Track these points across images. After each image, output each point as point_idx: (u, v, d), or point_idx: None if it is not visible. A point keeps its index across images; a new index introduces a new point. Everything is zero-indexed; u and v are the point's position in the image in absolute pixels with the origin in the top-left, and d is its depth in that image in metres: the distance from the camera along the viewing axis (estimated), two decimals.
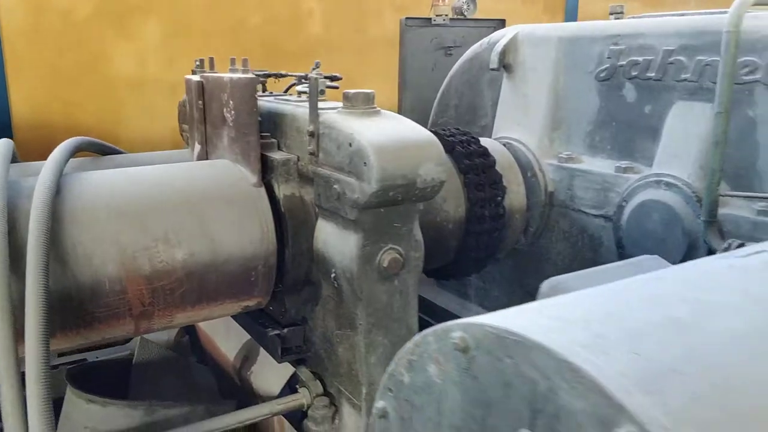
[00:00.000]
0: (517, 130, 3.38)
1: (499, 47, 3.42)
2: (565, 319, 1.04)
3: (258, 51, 5.28)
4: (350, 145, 2.13)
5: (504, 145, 3.36)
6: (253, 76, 2.43)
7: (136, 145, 5.23)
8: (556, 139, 3.24)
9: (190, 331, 3.75)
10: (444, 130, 3.17)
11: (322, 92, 2.31)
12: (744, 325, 1.04)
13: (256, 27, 5.23)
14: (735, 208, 2.41)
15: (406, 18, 4.72)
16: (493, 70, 3.47)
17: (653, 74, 2.76)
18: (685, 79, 2.64)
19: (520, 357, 0.98)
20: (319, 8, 5.40)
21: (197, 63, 3.18)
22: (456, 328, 1.11)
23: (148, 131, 5.55)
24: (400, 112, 4.97)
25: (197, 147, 2.92)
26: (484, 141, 3.25)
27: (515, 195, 3.18)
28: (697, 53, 2.59)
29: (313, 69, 2.43)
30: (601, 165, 2.98)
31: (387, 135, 2.15)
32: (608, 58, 2.94)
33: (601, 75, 2.98)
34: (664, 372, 0.89)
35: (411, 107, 4.81)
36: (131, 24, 5.27)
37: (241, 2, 5.15)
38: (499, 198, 3.00)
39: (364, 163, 2.07)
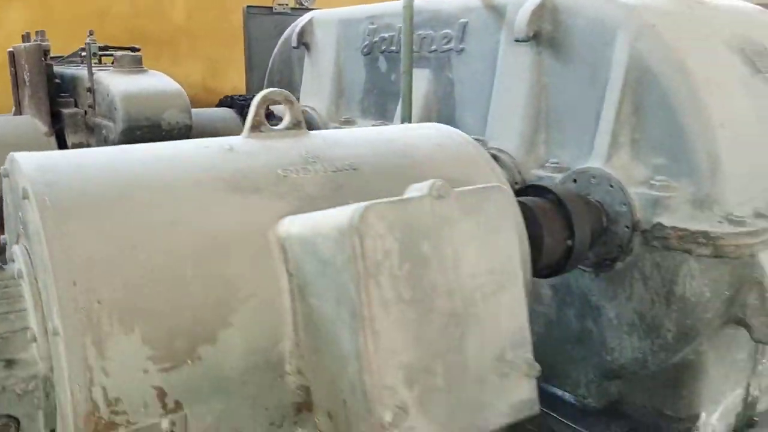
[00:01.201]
0: (313, 99, 3.96)
1: (297, 29, 4.00)
2: None
3: (124, 37, 5.71)
4: (108, 95, 2.66)
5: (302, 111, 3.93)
6: (40, 44, 2.92)
7: None
8: (340, 105, 3.83)
9: None
10: (241, 97, 3.72)
11: (95, 55, 2.83)
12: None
13: (120, 15, 5.68)
14: None
15: (248, 6, 5.29)
16: (294, 48, 4.05)
17: (395, 48, 3.37)
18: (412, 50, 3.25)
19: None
20: None
21: (24, 36, 3.63)
22: None
23: None
24: (247, 92, 5.49)
25: (13, 108, 3.40)
26: None
27: None
28: (417, 29, 3.21)
29: (89, 36, 2.94)
30: (365, 125, 3.58)
31: (137, 87, 2.68)
32: (368, 35, 3.54)
33: (365, 50, 3.58)
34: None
35: (258, 87, 5.34)
36: None
37: None
38: None
39: (115, 107, 2.60)
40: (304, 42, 4.02)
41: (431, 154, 1.63)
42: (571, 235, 2.16)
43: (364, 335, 1.12)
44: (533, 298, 2.62)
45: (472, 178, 1.60)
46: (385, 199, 1.16)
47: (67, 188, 1.27)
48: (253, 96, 3.41)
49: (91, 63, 2.81)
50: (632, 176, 2.28)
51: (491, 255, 1.15)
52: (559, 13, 2.52)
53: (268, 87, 4.59)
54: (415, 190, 1.19)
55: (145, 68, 2.86)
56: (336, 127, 3.74)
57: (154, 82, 2.72)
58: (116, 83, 2.63)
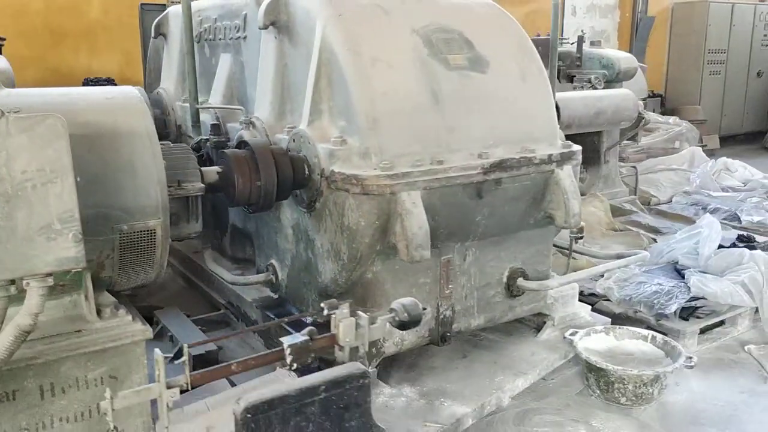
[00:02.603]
0: (166, 82, 4.60)
1: (156, 22, 4.64)
2: None
3: (43, 33, 6.37)
4: None
5: (156, 92, 4.57)
6: None
7: None
8: (183, 87, 4.46)
9: None
10: (93, 79, 4.36)
11: None
12: None
13: (38, 12, 6.33)
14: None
15: (142, 3, 5.93)
16: (154, 38, 4.69)
17: (211, 36, 4.00)
18: (219, 38, 3.89)
19: None
20: None
21: None
22: None
23: None
24: (144, 81, 6.11)
25: None
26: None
27: None
28: (222, 19, 3.84)
29: None
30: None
31: None
32: (198, 26, 4.17)
33: (196, 39, 4.21)
34: None
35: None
36: None
37: None
38: None
39: None
40: (161, 33, 4.66)
41: (94, 105, 2.27)
42: (259, 178, 2.79)
43: None
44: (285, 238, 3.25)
45: (118, 122, 2.24)
46: None
47: None
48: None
49: None
50: (326, 135, 2.91)
51: (41, 159, 1.78)
52: (288, 5, 3.14)
53: (147, 72, 5.26)
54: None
55: None
56: (180, 106, 4.37)
57: None
58: None
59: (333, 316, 1.74)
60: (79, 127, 2.16)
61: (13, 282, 1.83)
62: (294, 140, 3.02)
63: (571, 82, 6.56)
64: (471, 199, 2.96)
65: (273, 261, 3.43)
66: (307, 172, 2.94)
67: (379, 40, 2.92)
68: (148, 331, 2.29)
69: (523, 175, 3.07)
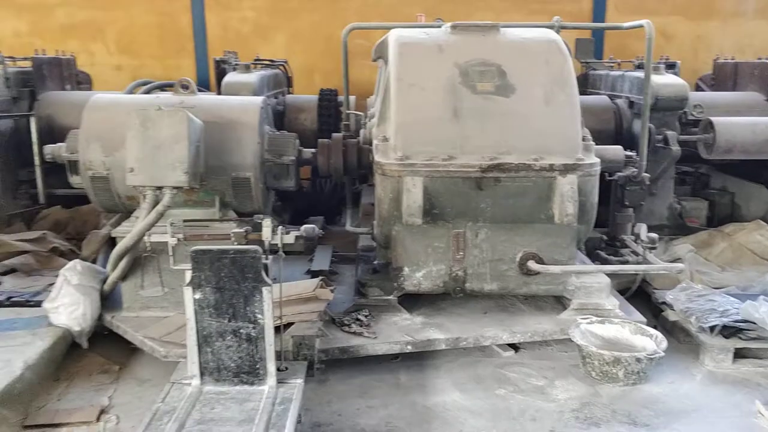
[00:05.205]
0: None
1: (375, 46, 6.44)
2: None
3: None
4: None
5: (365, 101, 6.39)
6: None
7: None
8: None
9: None
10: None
11: None
12: None
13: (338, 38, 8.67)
14: None
15: None
16: (373, 60, 6.51)
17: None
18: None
19: None
20: None
21: None
22: None
23: None
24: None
25: None
26: None
27: None
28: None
29: None
30: None
31: None
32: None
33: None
34: None
35: None
36: None
37: None
38: None
39: None
40: (379, 56, 6.44)
41: (228, 107, 4.15)
42: (331, 159, 4.36)
43: None
44: None
45: (235, 117, 4.08)
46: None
47: None
48: None
49: None
50: (381, 135, 4.29)
51: (172, 130, 3.66)
52: (385, 45, 4.57)
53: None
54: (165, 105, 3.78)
55: None
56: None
57: None
58: None
59: (261, 223, 3.23)
60: (217, 118, 4.06)
61: (160, 188, 3.78)
62: (366, 136, 4.50)
63: None
64: (471, 189, 4.02)
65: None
66: (369, 159, 4.38)
67: (421, 71, 4.19)
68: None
69: (522, 177, 3.99)
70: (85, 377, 3.80)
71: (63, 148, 4.26)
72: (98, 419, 3.36)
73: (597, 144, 4.75)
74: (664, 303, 4.68)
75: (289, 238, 3.26)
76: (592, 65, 7.71)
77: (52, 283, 4.19)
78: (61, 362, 3.89)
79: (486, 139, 4.07)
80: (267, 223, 3.21)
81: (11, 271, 5.06)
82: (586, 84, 7.75)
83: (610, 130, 6.50)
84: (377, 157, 4.12)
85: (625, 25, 5.19)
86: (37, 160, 5.85)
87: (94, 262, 4.54)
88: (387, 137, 4.17)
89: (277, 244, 3.22)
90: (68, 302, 3.95)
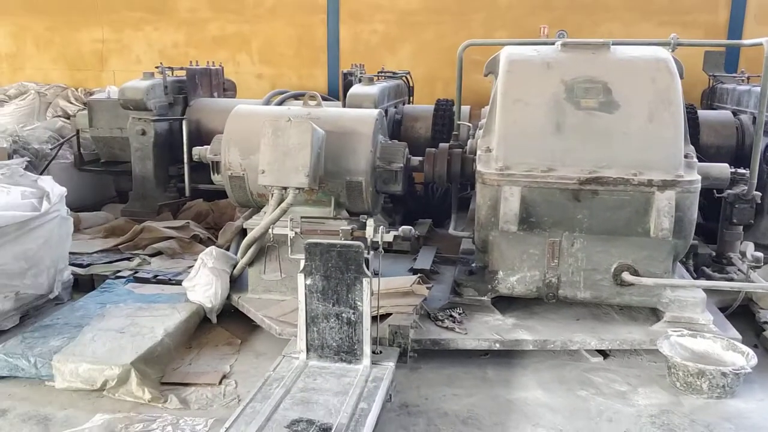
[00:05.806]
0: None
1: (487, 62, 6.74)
2: None
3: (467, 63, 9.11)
4: None
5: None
6: None
7: None
8: None
9: None
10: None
11: None
12: None
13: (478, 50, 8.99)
14: None
15: None
16: (485, 75, 6.81)
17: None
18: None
19: None
20: None
21: None
22: None
23: None
24: None
25: None
26: None
27: None
28: None
29: None
30: None
31: None
32: None
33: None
34: None
35: None
36: None
37: None
38: None
39: None
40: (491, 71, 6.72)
41: (348, 118, 4.62)
42: (436, 167, 4.71)
43: None
44: None
45: (353, 127, 4.54)
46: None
47: None
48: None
49: None
50: (485, 146, 4.58)
51: (300, 138, 4.17)
52: (496, 62, 4.85)
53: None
54: (294, 116, 4.30)
55: None
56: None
57: None
58: None
59: (366, 221, 3.64)
60: (337, 128, 4.55)
61: (285, 188, 4.31)
62: (473, 146, 4.81)
63: None
64: (569, 200, 4.22)
65: None
66: (472, 168, 4.69)
67: (527, 87, 4.43)
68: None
69: (620, 191, 4.13)
70: (212, 347, 4.41)
71: (208, 150, 4.93)
72: (220, 383, 3.93)
73: (715, 161, 4.74)
74: (766, 323, 4.62)
75: (389, 237, 3.65)
76: (720, 78, 7.50)
77: (191, 266, 4.89)
78: (194, 333, 4.53)
79: (586, 153, 4.25)
80: (370, 223, 3.64)
81: (158, 253, 5.96)
82: (713, 98, 7.57)
83: (731, 146, 6.38)
84: (479, 167, 4.42)
85: (746, 42, 5.10)
86: (186, 158, 6.73)
87: (227, 249, 5.20)
88: (490, 148, 4.45)
89: (378, 242, 3.63)
90: (203, 282, 4.61)
